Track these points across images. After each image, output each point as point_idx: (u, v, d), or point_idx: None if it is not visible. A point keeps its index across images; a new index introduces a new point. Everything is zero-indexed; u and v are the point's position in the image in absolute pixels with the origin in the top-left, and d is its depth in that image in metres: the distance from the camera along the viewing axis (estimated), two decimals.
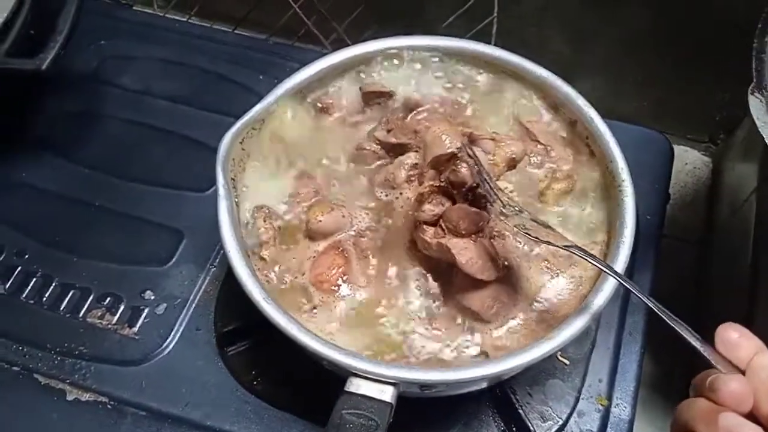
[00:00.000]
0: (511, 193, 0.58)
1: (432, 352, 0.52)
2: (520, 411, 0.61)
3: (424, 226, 0.53)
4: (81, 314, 0.67)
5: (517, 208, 0.51)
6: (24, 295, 0.68)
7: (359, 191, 0.59)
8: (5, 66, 0.64)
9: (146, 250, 0.70)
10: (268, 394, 0.62)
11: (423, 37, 0.64)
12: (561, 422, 0.61)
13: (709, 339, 0.42)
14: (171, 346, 0.65)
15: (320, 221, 0.55)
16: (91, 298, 0.67)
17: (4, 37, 0.65)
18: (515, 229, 0.51)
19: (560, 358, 0.64)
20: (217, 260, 0.69)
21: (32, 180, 0.76)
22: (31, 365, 0.64)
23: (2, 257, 0.70)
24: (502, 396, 0.61)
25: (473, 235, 0.52)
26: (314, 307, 0.53)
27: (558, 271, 0.54)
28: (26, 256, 0.70)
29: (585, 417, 0.62)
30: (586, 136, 0.59)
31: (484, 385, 0.56)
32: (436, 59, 0.64)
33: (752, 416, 0.39)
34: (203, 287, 0.68)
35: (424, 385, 0.48)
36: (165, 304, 0.67)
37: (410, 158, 0.56)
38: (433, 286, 0.54)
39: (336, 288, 0.54)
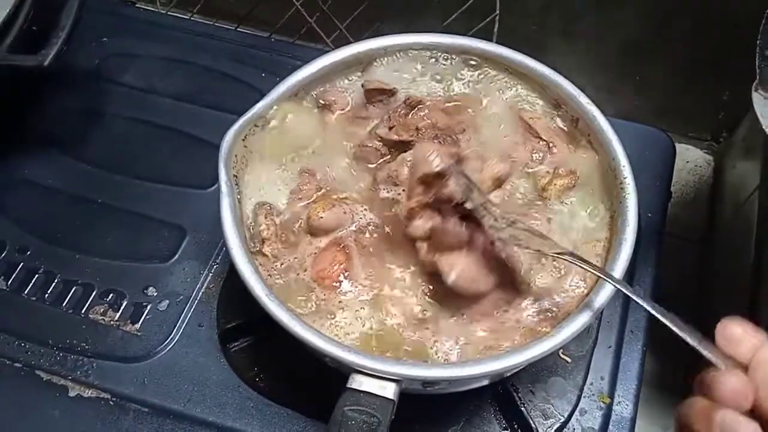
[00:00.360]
0: (510, 196, 0.58)
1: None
2: (522, 408, 0.61)
3: (418, 243, 0.53)
4: (83, 311, 0.67)
5: (508, 220, 0.51)
6: (26, 292, 0.68)
7: (361, 188, 0.59)
8: (7, 62, 0.64)
9: (149, 247, 0.70)
10: (270, 391, 0.62)
11: (425, 34, 0.64)
12: (563, 420, 0.61)
13: (711, 337, 0.42)
14: (173, 343, 0.65)
15: (321, 218, 0.55)
16: (93, 294, 0.67)
17: (6, 33, 0.64)
18: (508, 239, 0.51)
19: (562, 355, 0.64)
20: (220, 257, 0.69)
21: (35, 177, 0.76)
22: (33, 361, 0.64)
23: (4, 254, 0.70)
24: (504, 393, 0.61)
25: (465, 247, 0.52)
26: (332, 314, 0.53)
27: (561, 269, 0.54)
28: (29, 253, 0.70)
29: (587, 415, 0.62)
30: (587, 133, 0.59)
31: (486, 382, 0.56)
32: (439, 57, 0.64)
33: (754, 414, 0.39)
34: (206, 284, 0.68)
35: (426, 382, 0.48)
36: (167, 301, 0.67)
37: (451, 146, 0.56)
38: (435, 283, 0.54)
39: (338, 284, 0.54)
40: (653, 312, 0.44)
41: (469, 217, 0.52)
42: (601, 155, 0.58)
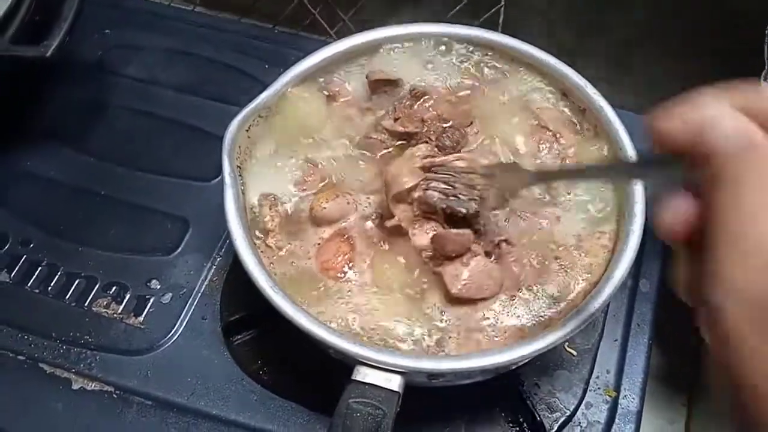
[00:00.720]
0: None
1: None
2: (528, 402, 0.60)
3: (423, 253, 0.53)
4: (87, 303, 0.66)
5: (471, 192, 0.51)
6: (29, 284, 0.68)
7: (367, 179, 0.58)
8: (10, 53, 0.64)
9: (152, 240, 0.70)
10: (273, 384, 0.62)
11: (430, 24, 0.63)
12: (569, 413, 0.61)
13: None
14: (176, 336, 0.64)
15: (324, 208, 0.55)
16: (96, 287, 0.67)
17: (9, 24, 0.64)
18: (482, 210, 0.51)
19: (568, 349, 0.63)
20: (223, 249, 0.69)
21: (37, 169, 0.75)
22: (36, 354, 0.64)
23: (7, 246, 0.70)
24: (509, 386, 0.61)
25: (467, 254, 0.52)
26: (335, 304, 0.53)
27: (568, 263, 0.54)
28: (31, 245, 0.70)
29: (593, 408, 0.61)
30: (595, 124, 0.58)
31: (492, 375, 0.55)
32: (444, 47, 0.63)
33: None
34: (209, 276, 0.68)
35: (431, 375, 0.48)
36: (171, 294, 0.67)
37: (420, 150, 0.56)
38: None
39: (342, 275, 0.53)
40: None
41: (466, 221, 0.52)
42: (608, 146, 0.57)
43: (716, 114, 0.32)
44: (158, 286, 0.67)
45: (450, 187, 0.52)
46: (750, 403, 0.28)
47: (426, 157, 0.54)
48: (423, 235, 0.53)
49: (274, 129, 0.59)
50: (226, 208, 0.52)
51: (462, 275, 0.51)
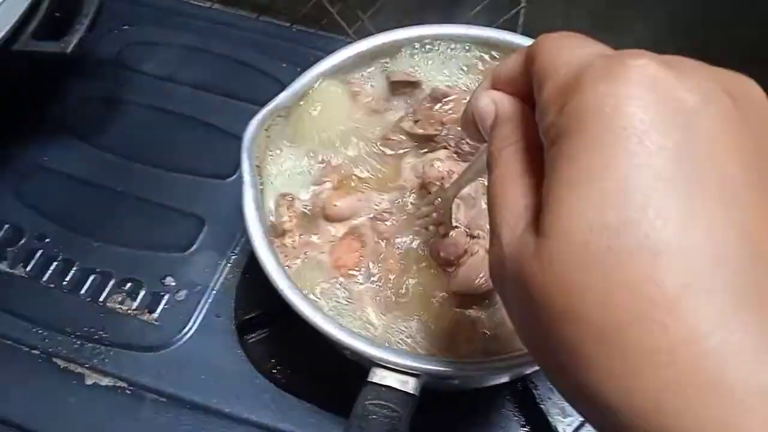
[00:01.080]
0: None
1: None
2: (542, 406, 0.60)
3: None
4: (101, 299, 0.67)
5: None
6: (45, 279, 0.68)
7: (383, 180, 0.58)
8: (31, 48, 0.64)
9: (167, 236, 0.70)
10: (287, 383, 0.62)
11: (451, 25, 0.63)
12: (582, 418, 0.60)
13: None
14: (191, 333, 0.64)
15: (336, 206, 0.55)
16: (111, 283, 0.67)
17: (30, 19, 0.64)
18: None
19: None
20: (238, 248, 0.69)
21: (54, 164, 0.76)
22: (50, 349, 0.64)
23: (23, 241, 0.70)
24: (523, 390, 0.61)
25: (463, 257, 0.52)
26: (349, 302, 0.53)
27: None
28: (47, 240, 0.70)
29: None
30: None
31: (507, 379, 0.55)
32: (464, 48, 0.63)
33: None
34: (224, 274, 0.68)
35: (448, 378, 0.48)
36: (185, 291, 0.67)
37: (440, 155, 0.55)
38: None
39: (354, 272, 0.54)
40: None
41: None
42: None
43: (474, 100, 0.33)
44: (173, 283, 0.67)
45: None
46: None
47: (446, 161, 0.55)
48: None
49: (293, 128, 0.59)
50: (245, 208, 0.52)
51: (460, 276, 0.52)
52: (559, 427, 0.60)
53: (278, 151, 0.58)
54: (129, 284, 0.67)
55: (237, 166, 0.54)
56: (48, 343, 0.64)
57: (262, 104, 0.57)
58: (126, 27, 0.86)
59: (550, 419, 0.60)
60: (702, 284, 0.22)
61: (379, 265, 0.54)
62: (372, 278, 0.54)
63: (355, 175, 0.58)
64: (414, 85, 0.61)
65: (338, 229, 0.56)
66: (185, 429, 0.60)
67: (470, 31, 0.63)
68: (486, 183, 0.39)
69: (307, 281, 0.53)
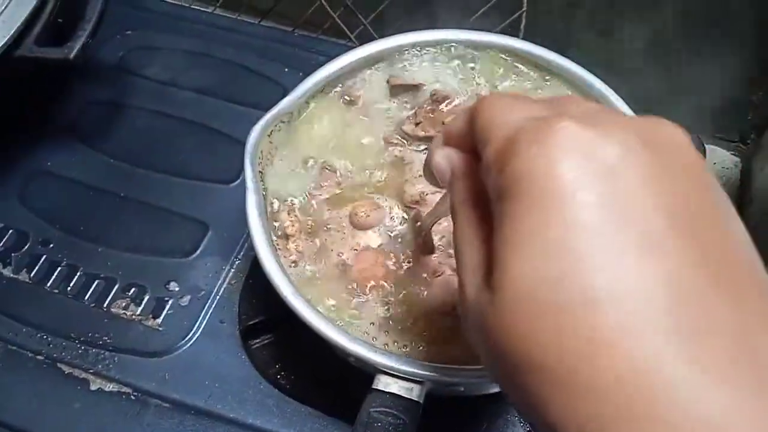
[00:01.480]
0: None
1: None
2: None
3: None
4: (105, 304, 0.67)
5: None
6: (49, 284, 0.68)
7: (384, 184, 0.58)
8: (34, 54, 0.64)
9: (171, 242, 0.70)
10: (291, 389, 0.62)
11: (452, 30, 0.63)
12: None
13: None
14: (195, 338, 0.65)
15: (368, 216, 0.55)
16: (115, 288, 0.67)
17: (33, 25, 0.64)
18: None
19: None
20: (242, 253, 0.69)
21: (57, 169, 0.76)
22: (55, 354, 0.64)
23: (27, 246, 0.70)
24: None
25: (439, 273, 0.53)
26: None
27: None
28: (51, 246, 0.70)
29: None
30: None
31: None
32: (465, 53, 0.63)
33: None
34: (228, 279, 0.68)
35: (453, 385, 0.48)
36: (189, 296, 0.67)
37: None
38: None
39: (378, 284, 0.53)
40: None
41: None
42: None
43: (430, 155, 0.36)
44: (177, 289, 0.67)
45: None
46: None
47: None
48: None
49: (295, 134, 0.59)
50: (248, 213, 0.52)
51: (431, 293, 0.52)
52: None
53: (281, 157, 0.58)
54: (133, 289, 0.67)
55: (240, 170, 0.54)
56: (52, 349, 0.64)
57: (265, 109, 0.57)
58: (129, 32, 0.86)
59: None
60: (635, 326, 0.24)
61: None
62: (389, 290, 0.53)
63: (356, 179, 0.58)
64: (415, 88, 0.61)
65: (359, 239, 0.55)
66: None
67: (472, 36, 0.63)
68: None
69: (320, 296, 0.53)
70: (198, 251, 0.69)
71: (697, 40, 0.86)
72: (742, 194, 0.91)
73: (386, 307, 0.52)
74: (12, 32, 0.63)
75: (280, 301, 0.49)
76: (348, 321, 0.52)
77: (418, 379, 0.46)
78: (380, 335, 0.51)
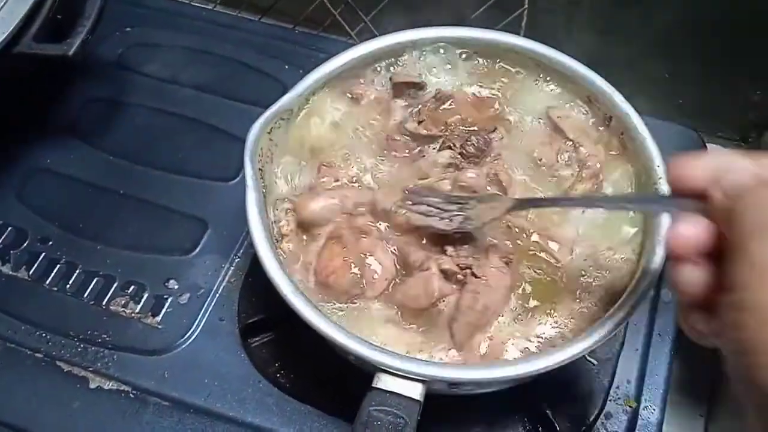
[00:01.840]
0: None
1: None
2: (547, 411, 0.60)
3: None
4: (104, 302, 0.66)
5: (458, 208, 0.51)
6: (48, 282, 0.68)
7: (387, 182, 0.58)
8: (33, 51, 0.64)
9: (170, 239, 0.70)
10: (291, 387, 0.62)
11: (453, 28, 0.63)
12: (588, 423, 0.60)
13: None
14: (194, 337, 0.64)
15: (311, 210, 0.55)
16: (114, 286, 0.67)
17: (32, 22, 0.64)
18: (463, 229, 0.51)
19: (588, 358, 0.62)
20: (242, 251, 0.69)
21: (57, 166, 0.75)
22: (54, 352, 0.64)
23: (26, 243, 0.70)
24: (529, 395, 0.60)
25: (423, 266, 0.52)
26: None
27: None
28: (50, 243, 0.70)
29: (613, 419, 0.61)
30: (621, 132, 0.58)
31: (512, 384, 0.55)
32: (467, 50, 0.63)
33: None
34: (227, 277, 0.67)
35: (453, 384, 0.48)
36: (188, 294, 0.67)
37: (444, 157, 0.55)
38: None
39: (346, 277, 0.53)
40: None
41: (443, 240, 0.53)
42: (634, 155, 0.57)
43: (730, 159, 0.38)
44: (176, 286, 0.67)
45: (432, 208, 0.52)
46: None
47: (449, 165, 0.54)
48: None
49: (295, 131, 0.59)
50: (248, 211, 0.52)
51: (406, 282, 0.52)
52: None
53: (280, 154, 0.58)
54: (132, 287, 0.67)
55: (240, 168, 0.54)
56: (51, 347, 0.64)
57: (265, 106, 0.56)
58: (128, 29, 0.86)
59: (556, 424, 0.60)
60: None
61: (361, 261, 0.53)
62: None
63: (357, 177, 0.58)
64: (418, 86, 0.61)
65: (319, 237, 0.55)
66: None
67: (474, 34, 0.62)
68: None
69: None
70: (197, 249, 0.69)
71: (699, 39, 0.85)
72: None
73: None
74: (11, 29, 0.62)
75: (280, 300, 0.49)
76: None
77: (418, 377, 0.46)
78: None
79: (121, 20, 0.86)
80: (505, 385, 0.54)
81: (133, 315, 0.66)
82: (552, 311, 0.52)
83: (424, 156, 0.58)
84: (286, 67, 0.82)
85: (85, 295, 0.67)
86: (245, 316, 0.65)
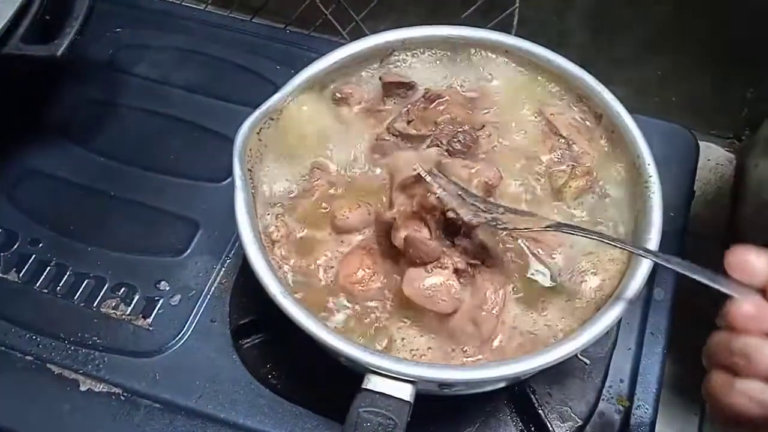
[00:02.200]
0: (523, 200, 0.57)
1: None
2: (540, 411, 0.60)
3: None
4: (95, 304, 0.66)
5: (486, 207, 0.50)
6: (38, 284, 0.67)
7: (377, 183, 0.57)
8: (20, 52, 0.63)
9: (161, 241, 0.69)
10: (282, 389, 0.62)
11: (444, 26, 0.62)
12: (580, 423, 0.60)
13: None
14: (185, 338, 0.64)
15: (347, 218, 0.54)
16: (105, 287, 0.67)
17: (19, 22, 0.64)
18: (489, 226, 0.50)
19: (580, 357, 0.62)
20: (233, 252, 0.68)
21: (47, 168, 0.75)
22: (44, 355, 0.63)
23: (16, 246, 0.70)
24: (520, 395, 0.60)
25: (434, 263, 0.50)
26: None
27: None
28: (40, 245, 0.70)
29: (605, 418, 0.60)
30: (611, 130, 0.58)
31: (503, 384, 0.55)
32: (458, 49, 0.63)
33: None
34: (218, 279, 0.67)
35: (443, 384, 0.47)
36: (180, 295, 0.66)
37: (431, 154, 0.55)
38: None
39: (367, 289, 0.52)
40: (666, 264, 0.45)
41: (455, 232, 0.51)
42: (625, 153, 0.56)
43: None
44: (167, 288, 0.67)
45: (463, 191, 0.51)
46: None
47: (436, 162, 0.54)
48: (400, 234, 0.51)
49: (284, 132, 0.58)
50: (237, 212, 0.51)
51: (419, 280, 0.50)
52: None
53: (270, 155, 0.58)
54: (123, 289, 0.67)
55: (231, 169, 0.54)
56: (42, 349, 0.64)
57: (257, 107, 0.56)
58: (118, 30, 0.86)
59: (548, 424, 0.59)
60: None
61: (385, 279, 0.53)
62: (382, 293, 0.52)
63: (345, 179, 0.57)
64: (407, 86, 0.61)
65: (343, 242, 0.54)
66: None
67: (464, 32, 0.62)
68: None
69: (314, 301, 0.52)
70: (188, 250, 0.69)
71: (691, 37, 0.85)
72: (736, 190, 0.90)
73: None
74: None
75: (270, 301, 0.49)
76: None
77: (407, 378, 0.45)
78: None
79: (112, 21, 0.85)
80: (496, 385, 0.53)
81: (123, 317, 0.65)
82: (543, 310, 0.52)
83: None
84: (278, 67, 0.82)
85: (76, 297, 0.67)
86: (236, 318, 0.65)
